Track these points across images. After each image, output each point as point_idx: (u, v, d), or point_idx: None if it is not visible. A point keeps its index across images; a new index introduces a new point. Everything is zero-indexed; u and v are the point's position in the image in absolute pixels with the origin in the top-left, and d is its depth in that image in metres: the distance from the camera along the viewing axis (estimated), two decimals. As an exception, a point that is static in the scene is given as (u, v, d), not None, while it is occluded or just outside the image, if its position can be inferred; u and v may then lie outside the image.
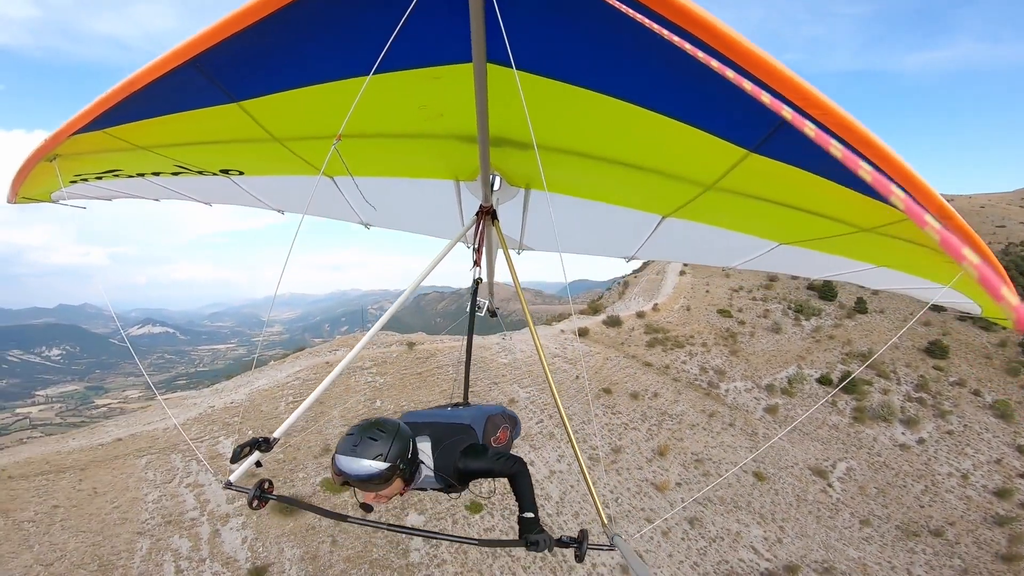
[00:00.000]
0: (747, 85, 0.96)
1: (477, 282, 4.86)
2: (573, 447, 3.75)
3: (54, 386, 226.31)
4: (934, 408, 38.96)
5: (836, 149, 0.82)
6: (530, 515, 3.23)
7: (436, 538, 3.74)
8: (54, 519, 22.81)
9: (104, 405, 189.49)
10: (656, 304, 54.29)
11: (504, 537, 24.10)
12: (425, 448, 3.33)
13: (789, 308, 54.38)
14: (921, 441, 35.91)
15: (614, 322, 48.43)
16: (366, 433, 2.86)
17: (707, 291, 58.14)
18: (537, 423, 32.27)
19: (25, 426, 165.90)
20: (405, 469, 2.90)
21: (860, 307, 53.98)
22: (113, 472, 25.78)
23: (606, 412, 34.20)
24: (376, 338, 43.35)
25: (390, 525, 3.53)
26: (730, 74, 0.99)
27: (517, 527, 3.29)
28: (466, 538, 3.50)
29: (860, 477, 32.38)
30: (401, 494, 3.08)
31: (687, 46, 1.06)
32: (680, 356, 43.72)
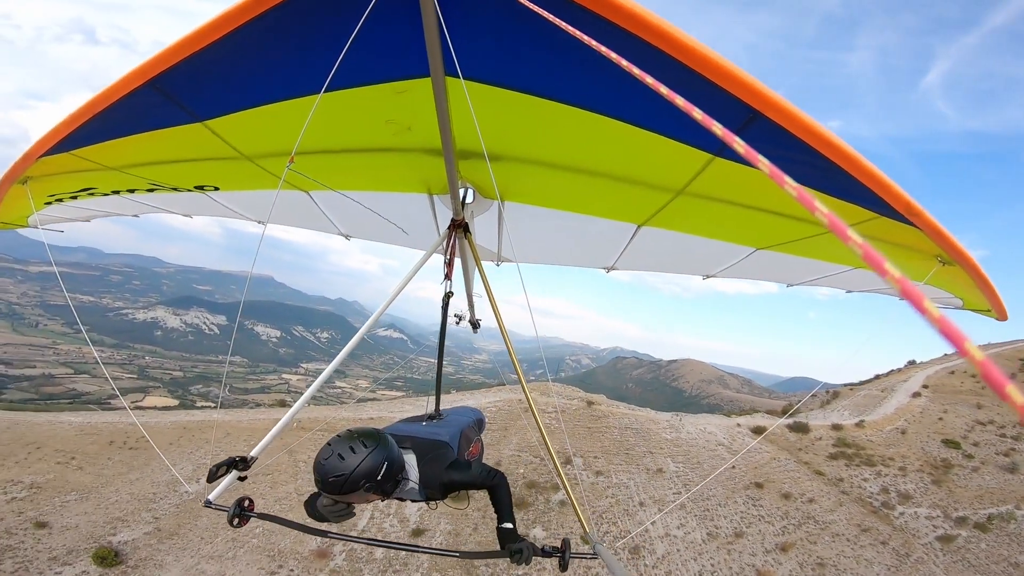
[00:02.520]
0: (679, 101, 1.01)
1: (448, 295, 4.94)
2: (556, 467, 4.53)
3: (315, 362, 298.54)
4: None
5: (763, 165, 0.86)
6: (508, 525, 3.54)
7: (420, 552, 4.15)
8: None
9: (340, 388, 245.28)
10: (863, 420, 54.34)
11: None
12: (411, 461, 3.58)
13: (1048, 453, 48.39)
14: None
15: (800, 428, 51.29)
16: (353, 441, 3.11)
17: (940, 419, 55.04)
18: (675, 494, 39.86)
19: (283, 390, 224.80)
20: (389, 478, 3.16)
21: None
22: None
23: (746, 503, 39.68)
24: (562, 391, 56.08)
25: (372, 539, 3.97)
26: (663, 90, 1.03)
27: (497, 537, 3.54)
28: (449, 551, 3.95)
29: None
30: (381, 500, 3.34)
31: (624, 62, 1.11)
32: (863, 473, 44.94)
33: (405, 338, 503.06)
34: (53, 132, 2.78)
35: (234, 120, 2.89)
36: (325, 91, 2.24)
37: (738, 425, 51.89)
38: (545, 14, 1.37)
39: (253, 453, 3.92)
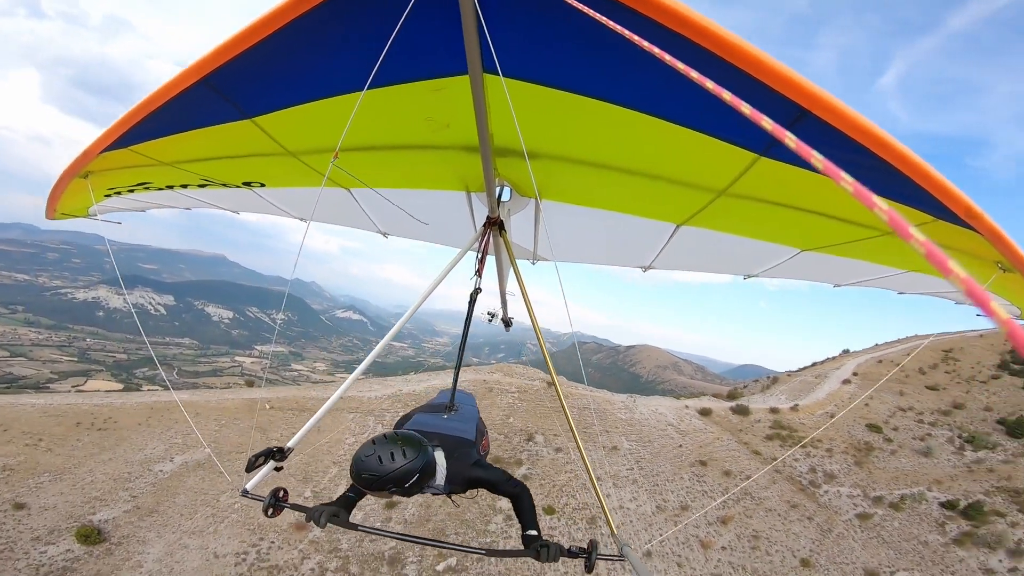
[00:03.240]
0: (726, 96, 1.00)
1: (476, 291, 5.07)
2: (586, 466, 4.58)
3: (270, 344, 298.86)
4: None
5: (817, 160, 0.84)
6: (533, 532, 3.64)
7: (447, 548, 4.04)
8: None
9: (296, 370, 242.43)
10: (798, 405, 59.36)
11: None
12: (440, 460, 3.71)
13: (959, 436, 54.40)
14: (1014, 570, 37.09)
15: (741, 411, 55.82)
16: (395, 447, 3.29)
17: (867, 405, 60.52)
18: (628, 470, 43.40)
19: (236, 372, 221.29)
20: (416, 484, 3.33)
21: (1052, 454, 51.42)
22: (333, 418, 44.62)
23: (691, 479, 43.56)
24: (524, 372, 59.04)
25: (401, 534, 3.92)
26: (709, 85, 1.02)
27: (522, 543, 3.62)
28: (476, 548, 3.86)
29: None
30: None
31: (667, 57, 1.10)
32: (795, 454, 49.51)
33: (365, 320, 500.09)
34: (113, 129, 2.91)
35: (280, 117, 3.01)
36: (366, 89, 2.31)
37: (686, 407, 55.98)
38: (588, 11, 1.39)
39: (290, 444, 4.09)
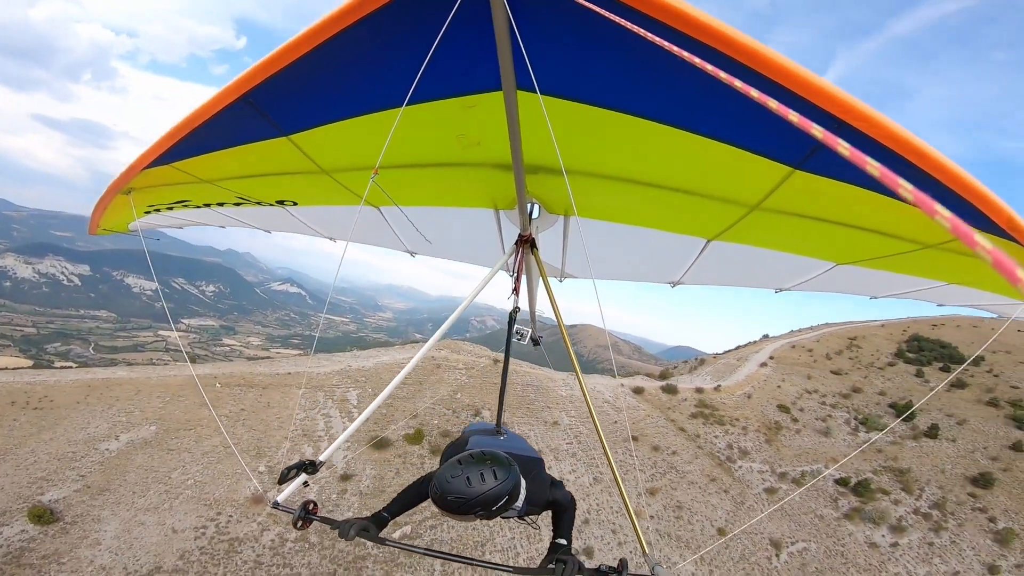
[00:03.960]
0: (772, 104, 1.00)
1: (515, 310, 5.02)
2: (617, 482, 4.38)
3: (198, 318, 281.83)
4: (935, 523, 45.78)
5: (873, 167, 0.83)
6: (563, 542, 3.67)
7: (471, 564, 4.09)
8: (240, 418, 41.79)
9: (228, 345, 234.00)
10: (720, 386, 64.90)
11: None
12: (522, 483, 3.50)
13: (855, 418, 61.45)
14: (895, 545, 43.39)
15: (671, 390, 60.57)
16: (485, 467, 3.12)
17: (779, 386, 66.90)
18: (567, 444, 46.86)
19: (160, 347, 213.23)
20: (501, 508, 3.15)
21: (932, 432, 59.20)
22: (282, 394, 45.55)
23: (624, 453, 47.51)
24: (472, 350, 61.46)
25: (426, 549, 3.85)
26: (754, 93, 1.03)
27: (549, 548, 3.62)
28: (500, 565, 3.90)
29: (810, 558, 41.12)
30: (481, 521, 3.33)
31: (708, 67, 1.11)
32: (715, 431, 54.61)
33: (304, 293, 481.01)
34: (156, 146, 2.96)
35: (315, 135, 3.04)
36: (404, 106, 2.33)
37: (621, 385, 60.21)
38: (628, 24, 1.39)
39: (321, 457, 4.05)
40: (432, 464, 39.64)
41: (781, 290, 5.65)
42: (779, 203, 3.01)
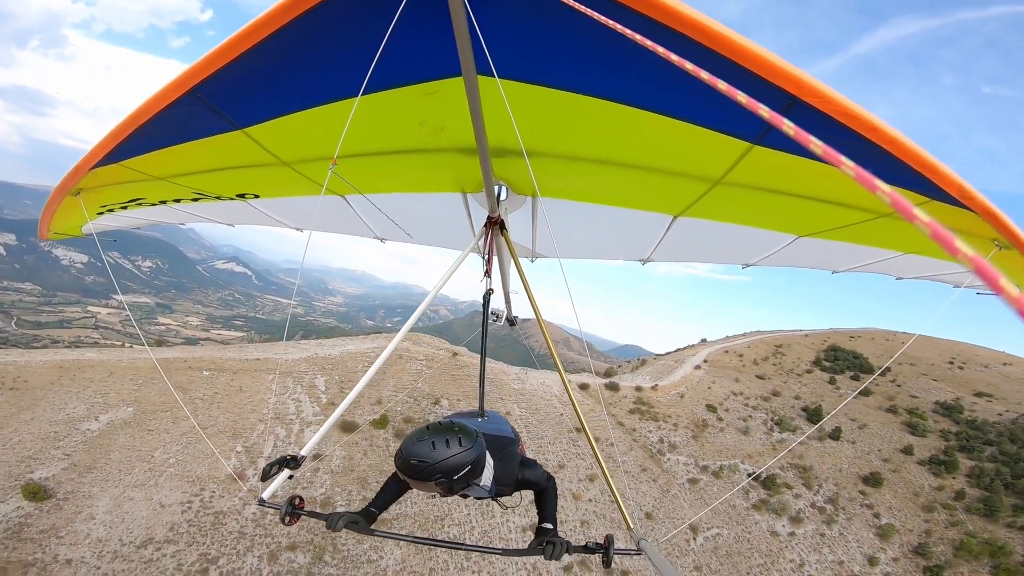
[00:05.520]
0: (721, 85, 1.02)
1: (489, 293, 5.01)
2: (600, 464, 4.75)
3: (132, 294, 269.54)
4: (828, 516, 53.68)
5: (816, 146, 0.85)
6: (549, 526, 3.71)
7: (460, 548, 4.26)
8: (214, 401, 44.78)
9: (164, 325, 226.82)
10: (657, 385, 71.67)
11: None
12: (488, 459, 3.50)
13: (772, 419, 69.52)
14: (792, 535, 50.87)
15: (613, 387, 66.77)
16: (451, 434, 3.14)
17: (709, 388, 74.32)
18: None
19: (88, 324, 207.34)
20: (463, 479, 3.17)
21: (835, 435, 67.95)
22: (252, 379, 48.70)
23: (568, 443, 53.24)
24: (431, 342, 65.73)
25: (420, 538, 4.01)
26: (704, 75, 1.04)
27: (535, 534, 3.71)
28: (488, 547, 3.91)
29: (721, 542, 48.04)
30: (441, 496, 3.41)
31: (660, 49, 1.12)
32: (649, 427, 61.08)
33: (249, 273, 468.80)
34: (102, 144, 2.89)
35: (272, 127, 3.00)
36: (360, 95, 2.30)
37: (569, 380, 65.96)
38: (582, 8, 1.42)
39: (303, 452, 4.01)
40: (395, 447, 44.16)
41: (748, 265, 5.78)
42: (740, 177, 3.09)
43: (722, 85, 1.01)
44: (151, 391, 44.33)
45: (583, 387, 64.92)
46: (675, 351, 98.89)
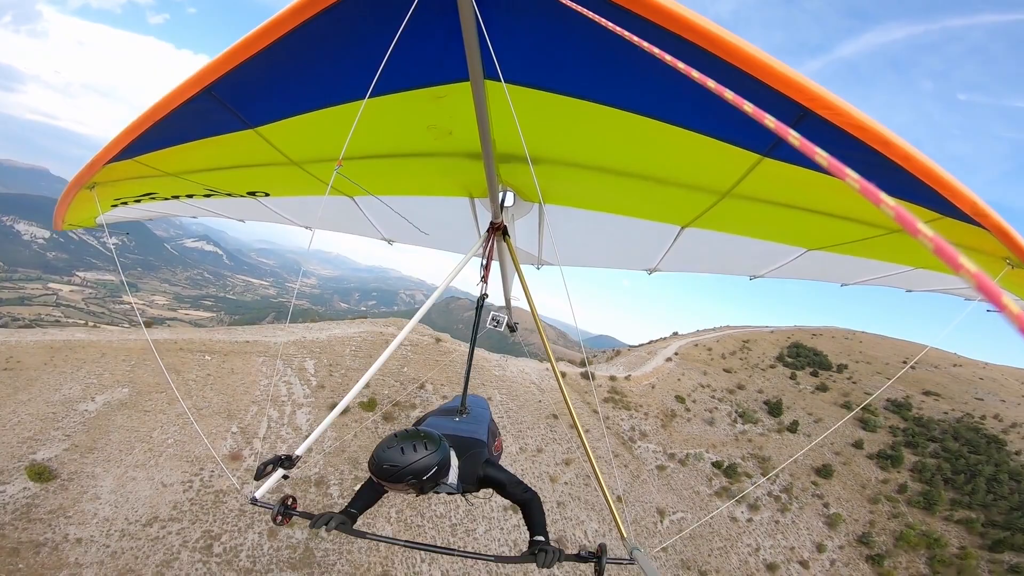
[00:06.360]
0: (728, 95, 1.01)
1: (483, 297, 5.08)
2: (592, 465, 4.68)
3: (96, 271, 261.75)
4: (782, 504, 57.98)
5: (821, 158, 0.85)
6: (540, 538, 3.73)
7: (452, 554, 4.14)
8: (207, 382, 45.95)
9: (129, 303, 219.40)
10: (630, 376, 75.07)
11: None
12: (453, 458, 3.76)
13: (736, 411, 73.71)
14: (750, 520, 54.95)
15: (587, 376, 70.07)
16: (417, 441, 3.40)
17: (679, 380, 78.01)
18: (498, 418, 54.48)
19: (50, 302, 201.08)
20: (431, 479, 3.41)
21: (792, 427, 72.51)
22: (244, 361, 50.00)
23: (546, 428, 56.18)
24: (416, 328, 67.58)
25: (410, 542, 4.13)
26: (711, 84, 1.04)
27: (528, 548, 3.71)
28: (480, 554, 4.07)
29: (685, 526, 51.49)
30: (414, 495, 3.54)
31: (667, 57, 1.12)
32: (622, 415, 64.35)
33: (220, 252, 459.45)
34: (117, 140, 2.95)
35: (283, 127, 3.06)
36: (368, 98, 2.32)
37: (547, 369, 68.94)
38: (591, 15, 1.40)
39: (298, 452, 4.13)
40: (384, 428, 46.34)
41: (755, 277, 5.69)
42: (750, 190, 3.07)
43: (729, 95, 1.03)
44: (144, 372, 45.06)
45: (561, 375, 67.68)
46: (648, 343, 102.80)
